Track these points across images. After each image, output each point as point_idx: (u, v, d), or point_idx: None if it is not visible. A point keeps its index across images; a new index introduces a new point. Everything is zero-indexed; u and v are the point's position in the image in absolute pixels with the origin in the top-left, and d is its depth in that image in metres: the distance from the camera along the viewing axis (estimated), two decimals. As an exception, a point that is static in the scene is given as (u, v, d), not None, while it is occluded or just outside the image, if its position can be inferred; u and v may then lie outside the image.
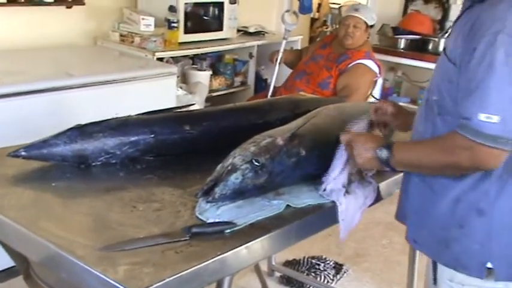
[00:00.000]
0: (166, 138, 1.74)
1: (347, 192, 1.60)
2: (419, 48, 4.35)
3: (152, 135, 1.71)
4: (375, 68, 3.53)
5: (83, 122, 1.68)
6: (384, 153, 1.45)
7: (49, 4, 3.25)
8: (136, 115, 1.77)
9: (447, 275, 1.46)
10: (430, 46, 4.28)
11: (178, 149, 1.76)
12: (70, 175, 1.62)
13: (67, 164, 1.64)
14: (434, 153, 1.37)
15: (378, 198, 1.72)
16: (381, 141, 1.50)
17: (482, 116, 1.25)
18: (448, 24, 4.43)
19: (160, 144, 1.73)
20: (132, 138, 1.69)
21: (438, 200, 1.44)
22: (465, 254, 1.42)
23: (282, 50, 3.77)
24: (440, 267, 1.48)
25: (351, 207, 1.59)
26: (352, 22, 3.51)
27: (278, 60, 3.76)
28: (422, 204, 1.50)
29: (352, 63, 3.49)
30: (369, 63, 3.51)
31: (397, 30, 4.56)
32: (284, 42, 3.80)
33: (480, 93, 1.25)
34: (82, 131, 1.65)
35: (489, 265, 1.39)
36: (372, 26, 3.63)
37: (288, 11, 4.00)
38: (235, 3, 3.98)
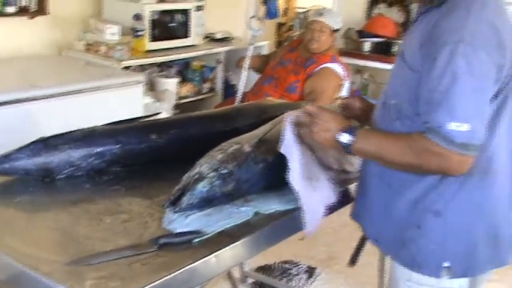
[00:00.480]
0: (133, 148, 1.72)
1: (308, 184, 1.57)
2: (384, 50, 4.40)
3: (118, 146, 1.69)
4: (341, 72, 3.55)
5: (49, 134, 1.65)
6: (345, 138, 1.42)
7: (11, 15, 3.19)
8: (101, 125, 1.75)
9: (405, 275, 1.48)
10: (395, 49, 4.33)
11: (145, 158, 1.74)
12: (34, 189, 1.59)
13: (31, 177, 1.60)
14: (401, 152, 1.37)
15: (349, 200, 1.72)
16: (344, 124, 1.46)
17: (452, 125, 1.26)
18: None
19: (127, 154, 1.71)
20: (98, 149, 1.66)
21: (396, 200, 1.45)
22: (422, 254, 1.44)
23: (249, 55, 3.77)
24: (399, 267, 1.50)
25: (311, 200, 1.55)
26: (318, 27, 3.53)
27: (245, 66, 3.76)
28: (381, 203, 1.50)
29: (319, 67, 3.51)
30: (335, 66, 3.53)
31: (362, 34, 4.60)
32: (251, 47, 3.80)
33: (447, 103, 1.27)
34: (46, 143, 1.62)
35: (445, 264, 1.41)
36: (337, 30, 3.65)
37: (253, 16, 4.01)
38: (201, 9, 3.96)
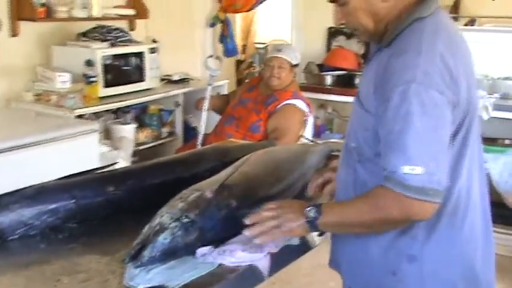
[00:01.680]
0: (89, 202, 1.71)
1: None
2: (346, 83, 4.49)
3: (73, 201, 1.68)
4: (304, 107, 3.61)
5: (-1, 193, 1.64)
6: (312, 213, 1.41)
7: (-46, 68, 3.17)
8: (54, 180, 1.74)
9: None
10: (356, 81, 4.43)
11: (102, 212, 1.73)
12: (-16, 253, 1.56)
13: (-19, 240, 1.58)
14: (364, 210, 1.36)
15: (308, 247, 1.72)
16: (306, 203, 1.47)
17: (406, 169, 1.26)
18: (372, 57, 4.60)
19: (83, 209, 1.69)
20: (51, 206, 1.65)
21: (370, 246, 1.45)
22: None
23: (208, 96, 3.81)
24: None
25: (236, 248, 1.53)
26: (277, 63, 3.59)
27: (205, 107, 3.79)
28: (355, 252, 1.51)
29: (281, 104, 3.56)
30: (298, 102, 3.59)
31: (322, 67, 4.70)
32: (209, 88, 3.83)
33: (401, 145, 1.28)
34: (-4, 203, 1.60)
35: None
36: (296, 65, 3.73)
37: (211, 56, 4.07)
38: (155, 52, 4.00)
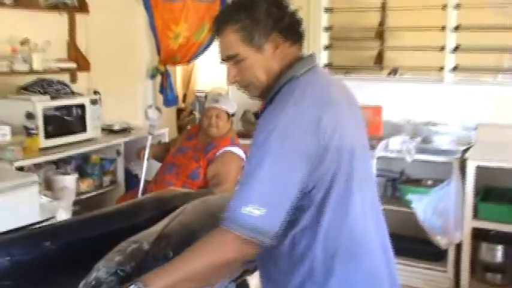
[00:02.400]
0: (25, 259, 1.62)
1: None
2: (281, 130, 4.54)
3: (8, 258, 1.58)
4: (242, 154, 3.61)
5: None
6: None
7: None
8: (-12, 237, 1.64)
9: None
10: (290, 127, 4.49)
11: (38, 268, 1.64)
12: None
13: None
14: (196, 260, 1.31)
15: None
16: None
17: (245, 209, 1.27)
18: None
19: (19, 267, 1.60)
20: (-16, 264, 1.55)
21: None
22: None
23: (148, 145, 3.75)
24: None
25: None
26: (214, 113, 3.60)
27: (145, 156, 3.73)
28: None
29: (219, 151, 3.55)
30: (235, 149, 3.59)
31: (258, 115, 4.73)
32: (150, 137, 3.78)
33: (246, 186, 1.30)
34: None
35: None
36: (233, 114, 3.75)
37: (150, 106, 4.03)
38: (97, 103, 3.94)
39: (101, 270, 1.44)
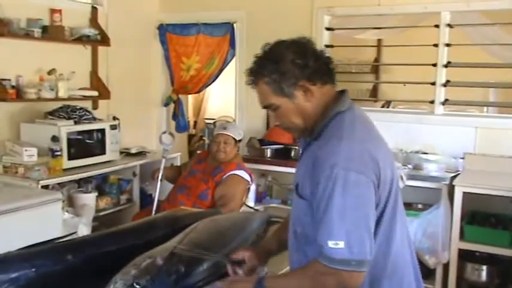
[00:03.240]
0: (49, 271, 1.62)
1: None
2: (283, 156, 4.55)
3: (33, 270, 1.59)
4: (247, 177, 3.63)
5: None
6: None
7: None
8: (16, 250, 1.66)
9: None
10: (292, 153, 4.50)
11: (61, 280, 1.65)
12: None
13: None
14: (302, 282, 1.36)
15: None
16: (253, 279, 1.47)
17: (330, 243, 1.29)
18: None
19: (43, 278, 1.60)
20: (12, 275, 1.55)
21: None
22: None
23: (162, 167, 3.79)
24: None
25: None
26: (222, 139, 3.63)
27: (159, 178, 3.76)
28: None
29: (226, 175, 3.57)
30: (241, 173, 3.61)
31: (263, 142, 4.76)
32: (163, 160, 3.82)
33: (325, 222, 1.30)
34: (-42, 273, 1.51)
35: None
36: (240, 141, 3.78)
37: (164, 132, 4.08)
38: (116, 128, 3.98)
39: (118, 282, 1.46)
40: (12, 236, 1.83)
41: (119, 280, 1.46)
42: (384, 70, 6.16)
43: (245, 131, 5.09)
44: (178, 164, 4.35)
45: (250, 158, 4.46)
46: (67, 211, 3.30)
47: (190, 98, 6.83)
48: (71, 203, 3.56)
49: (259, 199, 4.75)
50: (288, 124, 1.49)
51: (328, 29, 4.45)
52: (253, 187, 3.82)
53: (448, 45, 3.96)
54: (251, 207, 3.42)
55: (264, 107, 1.51)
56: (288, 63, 1.42)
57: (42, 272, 1.61)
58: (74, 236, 1.97)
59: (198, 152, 5.30)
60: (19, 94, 3.56)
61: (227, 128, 3.70)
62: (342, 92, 1.52)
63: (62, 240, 1.86)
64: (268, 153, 4.62)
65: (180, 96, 5.08)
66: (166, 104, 5.09)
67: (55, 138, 3.44)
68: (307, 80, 1.43)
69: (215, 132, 3.78)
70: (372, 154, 1.37)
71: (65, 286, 1.65)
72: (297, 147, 4.50)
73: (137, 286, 1.45)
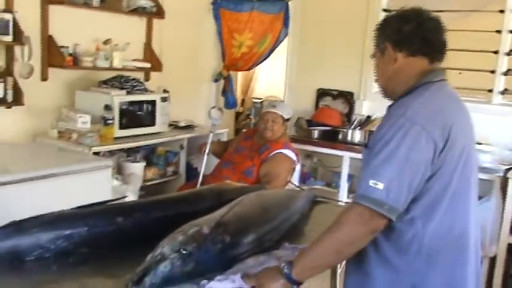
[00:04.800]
0: (100, 231, 1.70)
1: None
2: (330, 138, 4.53)
3: (86, 228, 1.67)
4: (293, 156, 3.64)
5: (20, 218, 1.62)
6: (285, 269, 1.43)
7: (-11, 105, 3.20)
8: (71, 209, 1.74)
9: None
10: (340, 136, 4.47)
11: (111, 240, 1.72)
12: (2, 271, 1.54)
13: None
14: (332, 237, 1.38)
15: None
16: (277, 269, 1.47)
17: (371, 182, 1.31)
18: (354, 117, 4.67)
19: (94, 237, 1.68)
20: (67, 232, 1.64)
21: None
22: None
23: (209, 142, 3.84)
24: None
25: None
26: (271, 117, 3.64)
27: (206, 151, 3.82)
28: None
29: (272, 153, 3.58)
30: (287, 152, 3.62)
31: (310, 123, 4.75)
32: (211, 135, 3.87)
33: (373, 163, 1.33)
34: (17, 227, 1.59)
35: None
36: (288, 120, 3.77)
37: (214, 107, 4.11)
38: (166, 101, 4.05)
39: (165, 247, 1.50)
40: (64, 198, 1.91)
41: (166, 245, 1.50)
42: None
43: (293, 111, 5.08)
44: (225, 140, 4.40)
45: (297, 138, 4.47)
46: (116, 178, 3.40)
47: (240, 76, 6.85)
48: (119, 171, 3.66)
49: (303, 180, 4.76)
50: (375, 77, 1.58)
51: (385, 10, 4.36)
52: (298, 167, 3.83)
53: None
54: (297, 186, 3.43)
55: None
56: (389, 22, 1.53)
57: (94, 231, 1.68)
58: (124, 200, 2.03)
59: (244, 130, 5.34)
60: (76, 62, 3.66)
61: (276, 106, 3.70)
62: (440, 71, 1.53)
63: (113, 203, 1.93)
64: (316, 134, 4.61)
65: (230, 72, 5.11)
66: (216, 80, 5.13)
67: (108, 107, 3.53)
68: (394, 45, 1.50)
69: (263, 110, 3.79)
70: (446, 118, 1.37)
71: (114, 246, 1.71)
72: (345, 130, 4.47)
73: (184, 252, 1.49)
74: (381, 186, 1.29)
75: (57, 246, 1.62)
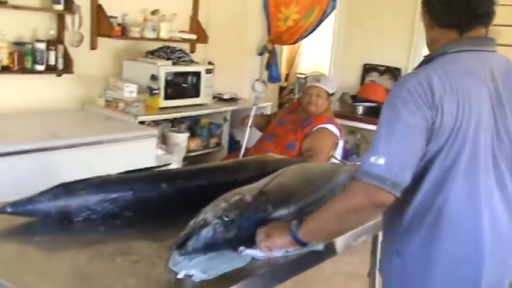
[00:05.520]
0: (145, 196, 1.73)
1: None
2: (375, 114, 4.44)
3: (131, 193, 1.71)
4: (336, 132, 3.60)
5: (68, 181, 1.68)
6: (293, 226, 1.48)
7: (41, 72, 3.28)
8: (117, 173, 1.77)
9: None
10: (385, 112, 4.39)
11: (155, 205, 1.76)
12: (53, 230, 1.60)
13: (51, 219, 1.62)
14: (336, 204, 1.41)
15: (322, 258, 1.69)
16: (286, 227, 1.51)
17: (372, 158, 1.31)
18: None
19: (139, 201, 1.72)
20: (113, 195, 1.68)
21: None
22: None
23: (252, 114, 3.83)
24: None
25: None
26: (315, 91, 3.60)
27: (249, 124, 3.82)
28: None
29: (316, 127, 3.55)
30: (331, 127, 3.58)
31: (355, 98, 4.69)
32: (254, 108, 3.86)
33: (375, 140, 1.33)
34: (66, 188, 1.64)
35: None
36: (332, 94, 3.72)
37: (258, 80, 4.09)
38: (211, 72, 4.06)
39: (208, 213, 1.51)
40: (109, 165, 1.95)
41: (209, 211, 1.52)
42: (492, 32, 5.76)
43: (338, 86, 5.01)
44: (269, 113, 4.39)
45: (341, 114, 4.42)
46: (160, 148, 3.46)
47: (285, 50, 6.79)
48: (163, 141, 3.72)
49: (345, 156, 4.71)
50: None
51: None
52: (341, 143, 3.78)
53: None
54: (340, 161, 3.40)
55: None
56: None
57: (138, 196, 1.72)
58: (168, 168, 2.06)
59: (287, 105, 5.31)
60: (124, 32, 3.71)
61: (320, 81, 3.66)
62: (464, 40, 1.46)
63: (158, 169, 1.96)
64: (360, 110, 4.54)
65: (275, 46, 5.07)
66: (260, 53, 5.09)
67: (154, 77, 3.57)
68: (429, 15, 1.48)
69: (308, 84, 3.75)
70: (442, 98, 1.33)
71: (158, 212, 1.75)
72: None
73: (226, 218, 1.50)
74: (382, 161, 1.29)
75: (104, 208, 1.67)
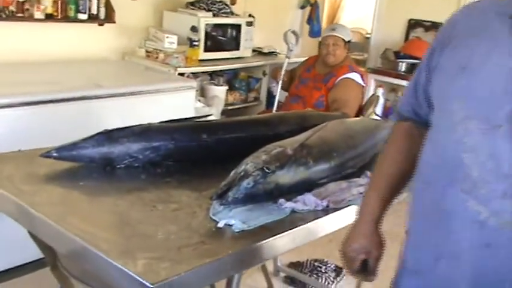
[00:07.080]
0: (185, 145, 1.74)
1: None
2: (418, 71, 4.33)
3: (172, 142, 1.71)
4: (360, 80, 3.44)
5: (110, 128, 1.69)
6: None
7: (83, 21, 3.28)
8: (158, 123, 1.77)
9: None
10: (429, 70, 4.25)
11: (195, 155, 1.76)
12: (96, 175, 1.63)
13: (94, 165, 1.64)
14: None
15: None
16: None
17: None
18: (446, 50, 4.39)
19: (180, 151, 1.72)
20: (154, 144, 1.69)
21: None
22: None
23: (284, 68, 3.65)
24: None
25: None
26: (331, 41, 3.47)
27: (280, 77, 3.69)
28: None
29: (339, 79, 3.42)
30: (354, 76, 3.43)
31: (398, 55, 4.54)
32: (287, 60, 3.69)
33: None
34: (109, 135, 1.66)
35: None
36: (349, 42, 3.55)
37: (289, 30, 3.84)
38: (251, 25, 3.99)
39: (249, 164, 1.50)
40: (149, 116, 1.95)
41: (250, 163, 1.51)
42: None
43: (381, 42, 4.88)
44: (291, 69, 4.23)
45: (383, 70, 4.31)
46: (199, 100, 3.46)
47: (327, 4, 6.60)
48: (202, 93, 3.71)
49: (385, 114, 4.62)
50: None
51: None
52: (381, 101, 3.68)
53: None
54: (380, 117, 3.31)
55: None
56: None
57: (179, 145, 1.72)
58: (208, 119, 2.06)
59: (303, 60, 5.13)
60: (164, -18, 3.66)
61: (336, 29, 3.52)
62: None
63: (198, 120, 1.95)
64: (403, 67, 4.41)
65: (317, 0, 4.93)
66: (302, 7, 4.97)
67: (194, 29, 3.53)
68: None
69: (323, 35, 3.61)
70: (452, 33, 1.19)
71: (198, 162, 1.75)
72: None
73: (267, 170, 1.49)
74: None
75: (145, 156, 1.68)
